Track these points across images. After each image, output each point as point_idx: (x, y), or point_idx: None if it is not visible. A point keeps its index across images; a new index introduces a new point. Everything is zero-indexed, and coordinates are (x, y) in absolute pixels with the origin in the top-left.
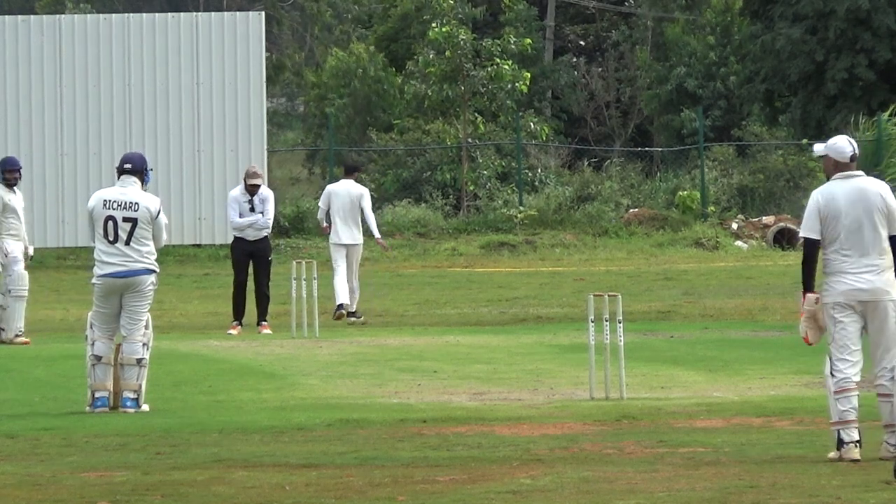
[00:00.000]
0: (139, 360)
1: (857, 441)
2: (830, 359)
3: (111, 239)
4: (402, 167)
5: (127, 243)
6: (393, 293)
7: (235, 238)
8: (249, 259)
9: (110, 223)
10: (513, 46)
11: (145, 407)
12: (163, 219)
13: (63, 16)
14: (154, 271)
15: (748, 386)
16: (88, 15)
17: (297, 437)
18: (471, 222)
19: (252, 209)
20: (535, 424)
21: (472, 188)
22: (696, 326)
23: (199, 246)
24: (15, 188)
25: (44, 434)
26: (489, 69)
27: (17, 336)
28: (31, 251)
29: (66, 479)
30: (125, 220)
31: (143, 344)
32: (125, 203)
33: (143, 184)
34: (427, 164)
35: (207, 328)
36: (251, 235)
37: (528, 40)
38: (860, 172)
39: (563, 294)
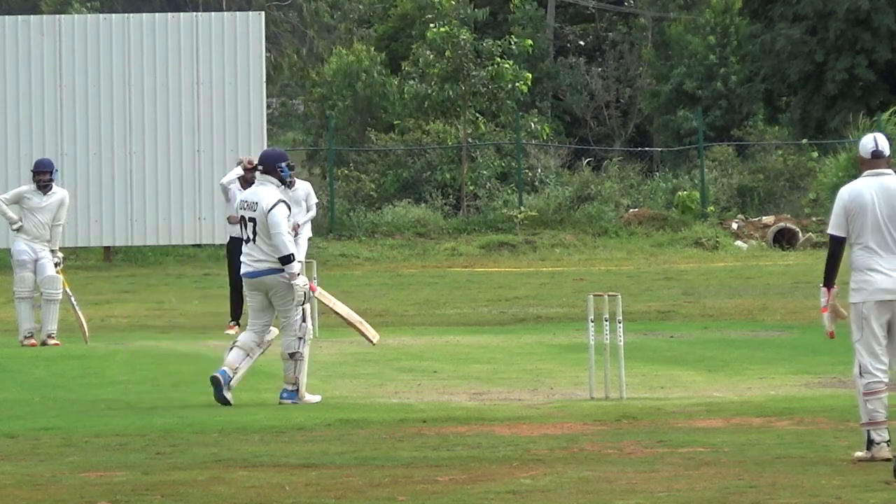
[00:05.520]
0: (292, 355)
1: (888, 441)
2: (858, 359)
3: None
4: (402, 167)
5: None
6: (393, 293)
7: (231, 238)
8: None
9: None
10: (513, 47)
11: (314, 398)
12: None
13: (63, 16)
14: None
15: (748, 386)
16: (88, 15)
17: (297, 437)
18: (471, 222)
19: None
20: (535, 424)
21: (471, 188)
22: (696, 326)
23: (199, 246)
24: (48, 191)
25: (44, 434)
26: (489, 69)
27: (49, 337)
28: (58, 256)
29: (66, 479)
30: None
31: (299, 338)
32: None
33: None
34: (427, 164)
35: (207, 328)
36: None
37: (529, 41)
38: (889, 171)
39: (563, 294)
